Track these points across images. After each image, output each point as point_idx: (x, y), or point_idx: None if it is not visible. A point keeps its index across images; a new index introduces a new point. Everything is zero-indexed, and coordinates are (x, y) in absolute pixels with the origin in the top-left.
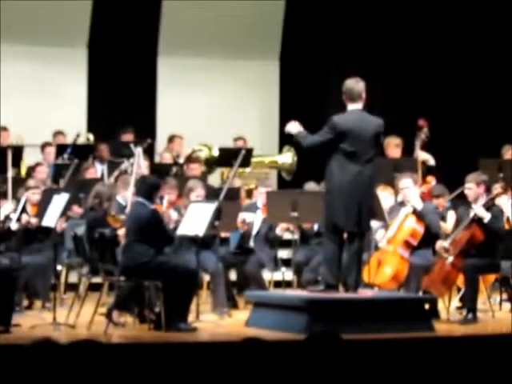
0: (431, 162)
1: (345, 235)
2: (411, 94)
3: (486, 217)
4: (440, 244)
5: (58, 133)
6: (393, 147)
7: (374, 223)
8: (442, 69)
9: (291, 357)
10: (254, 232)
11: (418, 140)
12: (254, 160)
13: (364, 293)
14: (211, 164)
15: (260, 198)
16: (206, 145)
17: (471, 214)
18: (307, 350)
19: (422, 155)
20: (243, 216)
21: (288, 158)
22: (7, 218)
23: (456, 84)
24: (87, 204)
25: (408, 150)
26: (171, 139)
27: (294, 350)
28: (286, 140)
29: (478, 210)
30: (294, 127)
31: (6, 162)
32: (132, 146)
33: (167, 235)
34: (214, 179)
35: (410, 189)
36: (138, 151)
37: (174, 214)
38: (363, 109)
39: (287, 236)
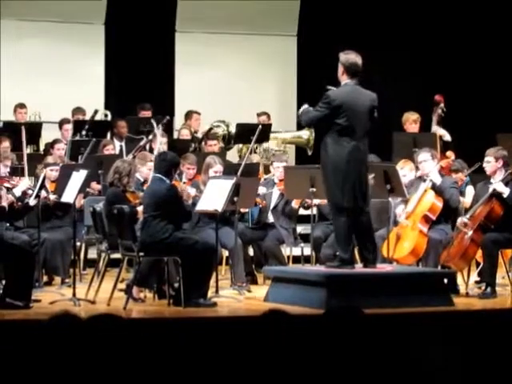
0: (447, 137)
1: None
2: (427, 69)
3: (506, 192)
4: (461, 220)
5: (77, 109)
6: (411, 122)
7: (394, 198)
8: (459, 43)
9: (313, 330)
10: (271, 207)
11: (435, 115)
12: (272, 136)
13: (383, 267)
14: (229, 140)
15: (276, 172)
16: (224, 121)
17: (490, 189)
18: (326, 324)
19: (439, 130)
20: (261, 190)
21: (305, 134)
22: (24, 194)
23: (473, 58)
24: (107, 179)
25: (425, 125)
26: (188, 115)
27: (314, 324)
28: None
29: (497, 185)
30: (302, 107)
31: (22, 139)
32: (153, 121)
33: (184, 211)
34: (233, 155)
35: (428, 162)
36: (157, 127)
37: (192, 191)
38: (358, 83)
39: (305, 212)
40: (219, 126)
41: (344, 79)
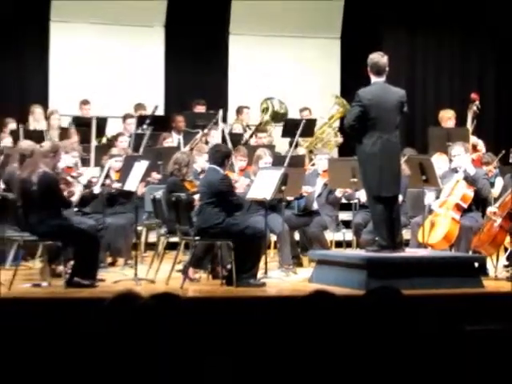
0: (480, 145)
1: None
2: (465, 69)
3: None
4: (490, 210)
5: (138, 105)
6: (446, 120)
7: (427, 188)
8: (493, 43)
9: (354, 310)
10: (316, 195)
11: (470, 112)
12: (321, 128)
13: (418, 252)
14: (277, 117)
15: (319, 164)
16: (267, 99)
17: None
18: (367, 304)
19: (473, 139)
20: (306, 189)
21: (336, 108)
22: (90, 182)
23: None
24: (168, 170)
25: (461, 122)
26: (239, 110)
27: (356, 304)
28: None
29: None
30: None
31: (91, 132)
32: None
33: (236, 201)
34: (280, 147)
35: (461, 156)
36: (212, 121)
37: (246, 181)
38: (388, 81)
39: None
40: (266, 110)
41: (372, 78)
